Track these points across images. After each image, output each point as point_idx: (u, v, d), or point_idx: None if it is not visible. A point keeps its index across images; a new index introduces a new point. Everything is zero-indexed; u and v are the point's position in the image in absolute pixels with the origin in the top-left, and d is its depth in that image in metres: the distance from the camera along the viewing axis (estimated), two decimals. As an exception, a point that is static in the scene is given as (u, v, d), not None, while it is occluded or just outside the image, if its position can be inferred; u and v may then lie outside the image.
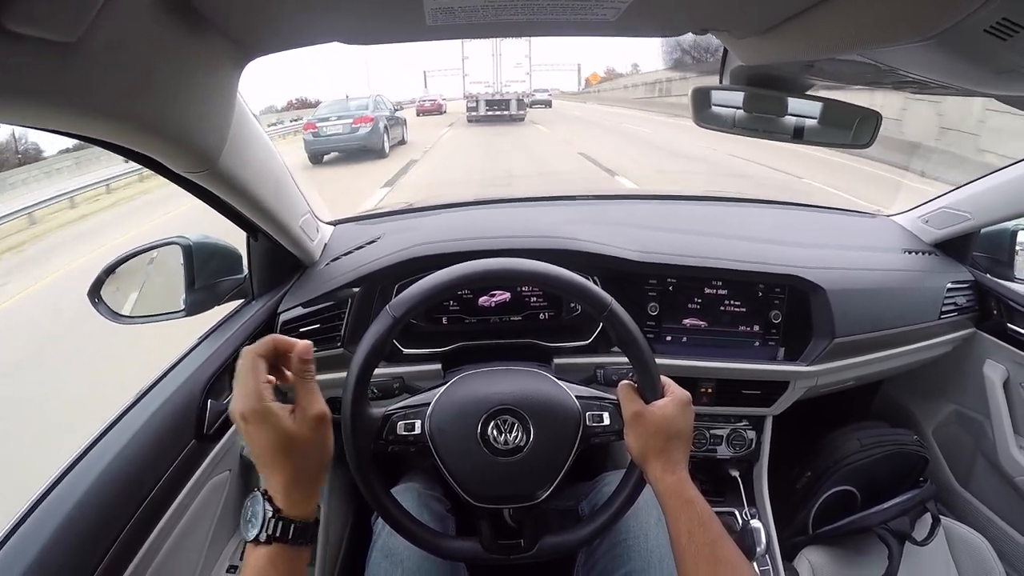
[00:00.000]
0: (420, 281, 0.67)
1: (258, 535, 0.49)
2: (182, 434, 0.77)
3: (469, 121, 18.26)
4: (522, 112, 18.17)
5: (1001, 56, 0.42)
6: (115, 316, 0.88)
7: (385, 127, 10.53)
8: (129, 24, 0.42)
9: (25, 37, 0.33)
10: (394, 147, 11.16)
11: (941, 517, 1.13)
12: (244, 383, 0.52)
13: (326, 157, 10.10)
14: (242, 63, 0.61)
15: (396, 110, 12.37)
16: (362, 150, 9.96)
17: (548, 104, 22.90)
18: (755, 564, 1.06)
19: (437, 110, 24.07)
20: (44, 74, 0.38)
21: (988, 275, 1.22)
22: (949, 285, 1.16)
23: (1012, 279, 1.20)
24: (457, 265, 0.67)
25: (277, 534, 0.49)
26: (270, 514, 0.50)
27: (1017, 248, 1.21)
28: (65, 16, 0.34)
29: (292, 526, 0.50)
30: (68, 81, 0.40)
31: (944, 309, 1.15)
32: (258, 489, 0.52)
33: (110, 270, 0.88)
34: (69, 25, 0.35)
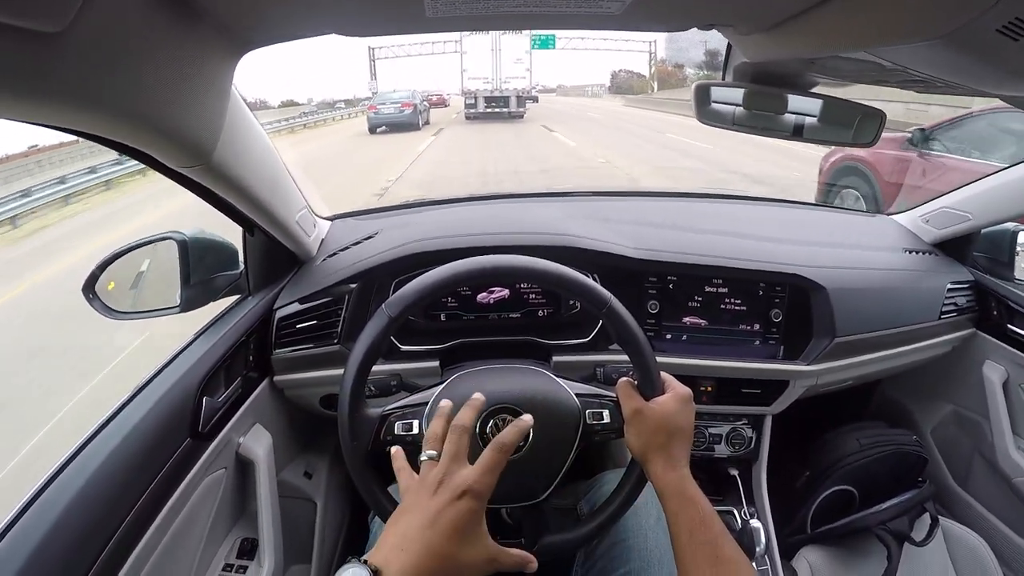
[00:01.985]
0: (417, 279, 0.66)
1: None
2: (177, 432, 0.76)
3: (467, 119, 18.25)
4: (521, 109, 18.54)
5: (1013, 56, 0.41)
6: (109, 312, 0.87)
7: (420, 110, 16.72)
8: (118, 14, 0.40)
9: (9, 27, 0.32)
10: (423, 125, 16.96)
11: (940, 518, 1.13)
12: (495, 467, 0.53)
13: (379, 129, 16.01)
14: (237, 55, 0.60)
15: (423, 100, 18.61)
16: (405, 124, 15.84)
17: (535, 99, 24.45)
18: (754, 564, 1.05)
19: (443, 103, 28.55)
20: (30, 66, 0.36)
21: (988, 275, 1.22)
22: (949, 285, 1.16)
23: (1012, 280, 1.20)
24: (454, 263, 0.66)
25: None
26: None
27: (1017, 249, 1.21)
28: (50, 5, 0.33)
29: None
30: (55, 73, 0.39)
31: (944, 309, 1.15)
32: (357, 559, 0.47)
33: (104, 265, 0.86)
34: (55, 15, 0.34)
